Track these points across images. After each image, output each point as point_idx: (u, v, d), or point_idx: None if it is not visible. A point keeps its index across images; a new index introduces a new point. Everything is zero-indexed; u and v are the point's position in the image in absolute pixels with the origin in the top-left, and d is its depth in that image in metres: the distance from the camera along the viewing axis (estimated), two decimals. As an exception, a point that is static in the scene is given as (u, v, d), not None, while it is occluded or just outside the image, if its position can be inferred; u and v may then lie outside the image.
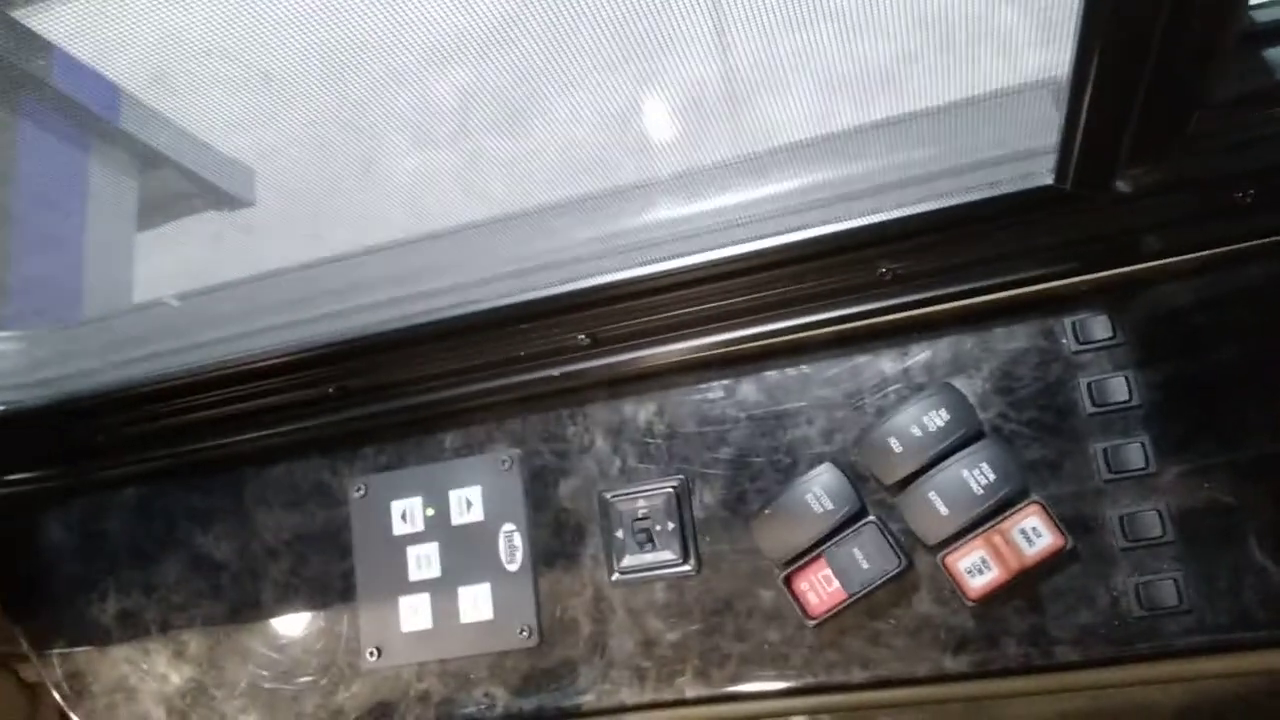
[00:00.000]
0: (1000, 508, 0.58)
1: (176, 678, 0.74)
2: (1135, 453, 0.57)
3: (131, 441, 0.74)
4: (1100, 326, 0.59)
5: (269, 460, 0.74)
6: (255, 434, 0.72)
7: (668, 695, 0.64)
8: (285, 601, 0.72)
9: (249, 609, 0.73)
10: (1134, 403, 0.58)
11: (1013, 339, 0.61)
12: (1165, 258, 0.56)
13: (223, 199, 1.64)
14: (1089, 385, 0.59)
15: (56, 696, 0.78)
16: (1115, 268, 0.58)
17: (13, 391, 0.72)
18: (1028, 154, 0.55)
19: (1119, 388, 0.58)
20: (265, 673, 0.72)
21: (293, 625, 0.72)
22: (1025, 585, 0.58)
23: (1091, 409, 0.59)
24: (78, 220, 1.22)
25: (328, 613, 0.71)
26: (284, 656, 0.72)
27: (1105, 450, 0.58)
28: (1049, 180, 0.54)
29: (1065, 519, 0.58)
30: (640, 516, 0.66)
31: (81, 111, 1.30)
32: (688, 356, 0.65)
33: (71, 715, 0.78)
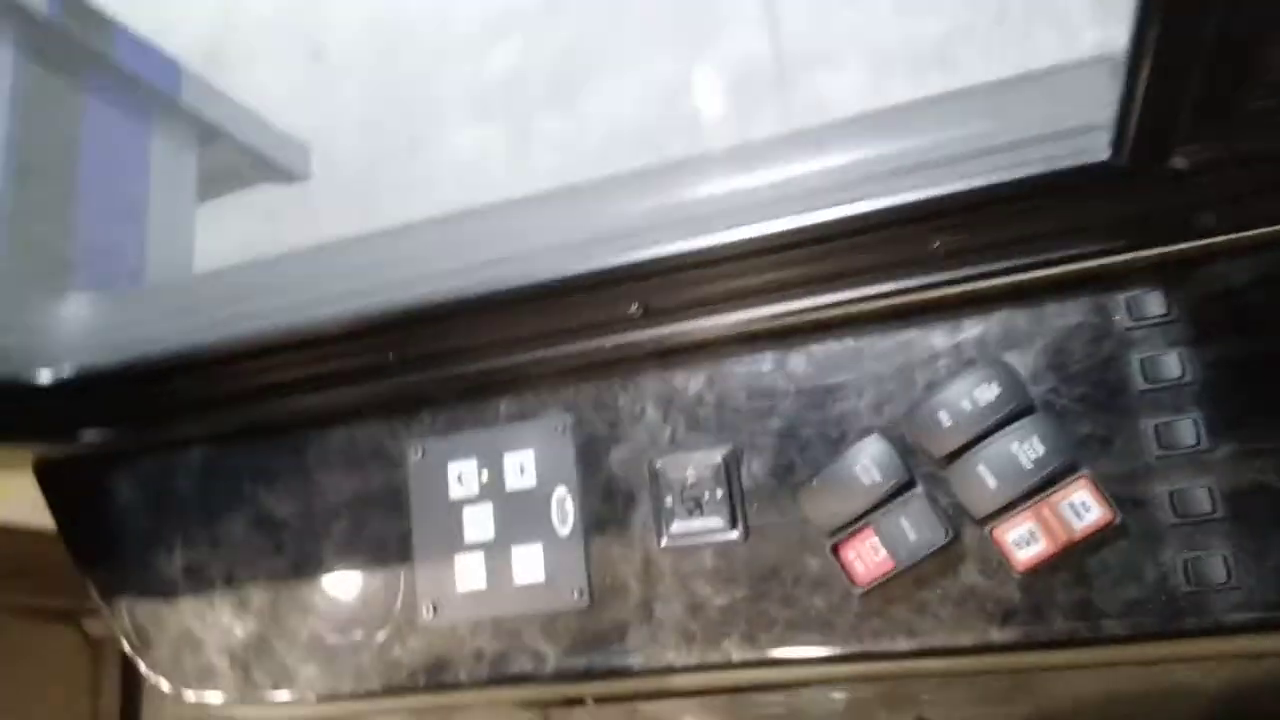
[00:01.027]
0: (1049, 481, 0.59)
1: (240, 630, 0.77)
2: (1187, 429, 0.58)
3: (198, 404, 0.77)
4: (1154, 303, 0.59)
5: (331, 423, 0.76)
6: (317, 398, 0.75)
7: (714, 658, 0.66)
8: (345, 559, 0.75)
9: (310, 566, 0.76)
10: (1187, 380, 0.58)
11: (1065, 315, 0.61)
12: (1222, 235, 0.56)
13: (279, 173, 1.67)
14: (1141, 362, 0.59)
15: (125, 645, 0.82)
16: (1170, 245, 0.57)
17: (84, 354, 0.75)
18: (1083, 129, 0.55)
19: (1172, 365, 0.58)
20: (325, 626, 0.75)
21: (352, 582, 0.74)
22: (1073, 559, 0.59)
23: (1144, 385, 0.59)
24: (142, 190, 1.26)
25: (386, 570, 0.74)
26: (343, 611, 0.74)
27: (1156, 426, 0.58)
28: (1104, 156, 0.54)
29: (1115, 494, 0.58)
30: (690, 484, 0.67)
31: (144, 86, 1.34)
32: (739, 329, 0.66)
33: (138, 666, 0.81)
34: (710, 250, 0.61)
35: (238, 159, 1.60)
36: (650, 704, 1.42)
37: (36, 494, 0.82)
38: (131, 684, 1.55)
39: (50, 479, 0.83)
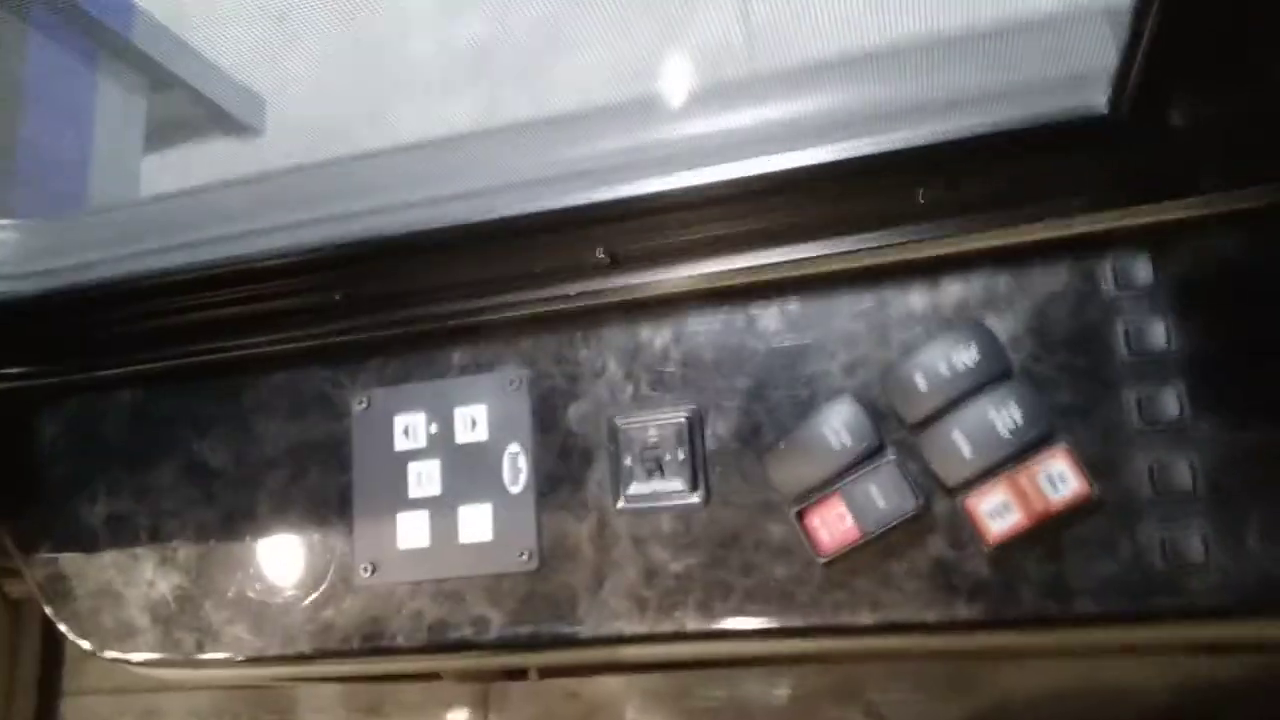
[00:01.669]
0: (1026, 451, 0.56)
1: (164, 585, 0.72)
2: (1170, 402, 0.55)
3: (129, 340, 0.72)
4: (1142, 269, 0.57)
5: (271, 367, 0.72)
6: (258, 339, 0.70)
7: (667, 627, 0.62)
8: (280, 513, 0.70)
9: (243, 519, 0.71)
10: (1172, 350, 0.56)
11: (1049, 278, 0.58)
12: (1217, 197, 0.54)
13: (232, 124, 1.61)
14: (1126, 330, 0.57)
15: (40, 598, 0.76)
16: (1163, 206, 0.55)
17: (9, 281, 0.70)
18: (1080, 80, 0.53)
19: (1158, 334, 0.56)
20: (255, 584, 0.70)
21: (287, 537, 0.70)
22: (1046, 532, 0.56)
23: (1127, 355, 0.56)
24: (87, 130, 1.20)
25: (323, 526, 0.69)
26: (275, 568, 0.70)
27: (1139, 398, 0.56)
28: (1101, 108, 0.52)
29: (1093, 466, 0.56)
30: (650, 445, 0.64)
31: (93, 23, 1.28)
32: (709, 282, 0.63)
33: (57, 625, 0.76)
34: (682, 192, 0.58)
35: (190, 108, 1.54)
36: (592, 686, 1.39)
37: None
38: (52, 649, 1.49)
39: (-34, 418, 0.78)
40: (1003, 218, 0.56)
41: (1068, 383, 0.57)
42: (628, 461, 0.64)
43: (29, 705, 1.47)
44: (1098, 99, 0.52)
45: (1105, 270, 0.58)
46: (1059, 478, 0.55)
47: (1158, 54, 0.47)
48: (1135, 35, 0.47)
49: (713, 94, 0.59)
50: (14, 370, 0.73)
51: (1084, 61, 0.53)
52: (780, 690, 1.37)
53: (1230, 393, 0.55)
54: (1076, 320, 0.58)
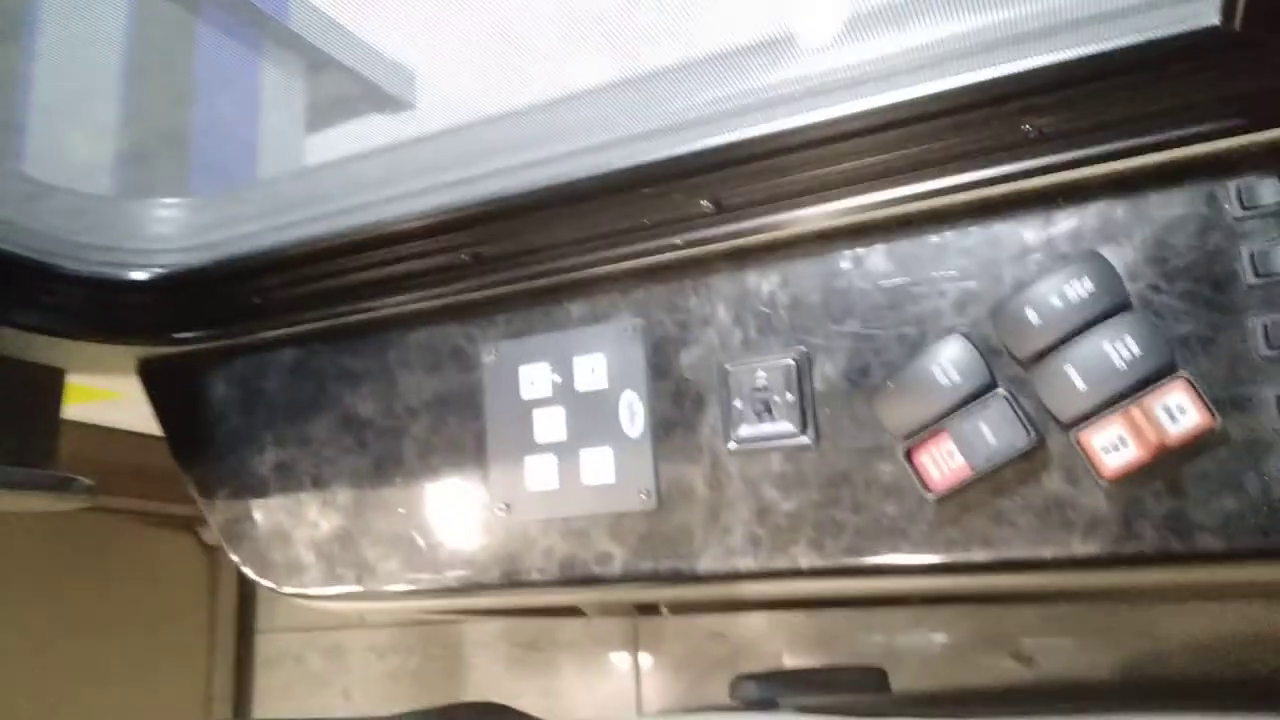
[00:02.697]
0: (1143, 383, 0.54)
1: (325, 525, 0.80)
2: (1301, 328, 0.52)
3: (286, 304, 0.79)
4: (1269, 190, 0.54)
5: (411, 325, 0.77)
6: (399, 299, 0.76)
7: (781, 564, 0.64)
8: (423, 458, 0.76)
9: (391, 464, 0.77)
10: (1303, 273, 0.53)
11: (1169, 204, 0.56)
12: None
13: (386, 101, 1.70)
14: (1252, 254, 0.54)
15: (222, 541, 0.85)
16: (1292, 124, 0.52)
17: (178, 254, 0.78)
18: (1193, -7, 0.50)
19: (1287, 257, 0.53)
20: (405, 523, 0.76)
21: (430, 480, 0.76)
22: (1166, 467, 0.55)
23: (1253, 280, 0.54)
24: (252, 114, 1.30)
25: (462, 469, 0.74)
26: (421, 509, 0.76)
27: (1265, 325, 0.53)
28: (1214, 20, 0.49)
29: (1215, 397, 0.53)
30: (759, 387, 0.65)
31: (252, 10, 1.37)
32: (815, 225, 0.63)
33: (231, 557, 0.85)
34: (784, 135, 0.59)
35: (346, 87, 1.63)
36: (738, 628, 1.42)
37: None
38: (247, 589, 1.64)
39: (154, 379, 0.87)
40: (1114, 146, 0.54)
41: (1189, 312, 0.55)
42: (738, 404, 0.66)
43: (229, 641, 1.64)
44: (1211, 13, 0.49)
45: (1228, 192, 0.55)
46: (1178, 409, 0.54)
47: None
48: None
49: (810, 35, 0.59)
50: (189, 334, 0.82)
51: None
52: (931, 635, 1.37)
53: (1371, 316, 0.52)
54: (1198, 247, 0.55)
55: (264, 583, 0.83)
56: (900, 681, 0.85)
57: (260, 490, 0.83)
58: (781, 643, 1.44)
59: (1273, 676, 1.04)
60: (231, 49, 1.33)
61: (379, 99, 1.68)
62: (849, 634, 1.42)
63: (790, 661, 1.43)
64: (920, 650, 1.37)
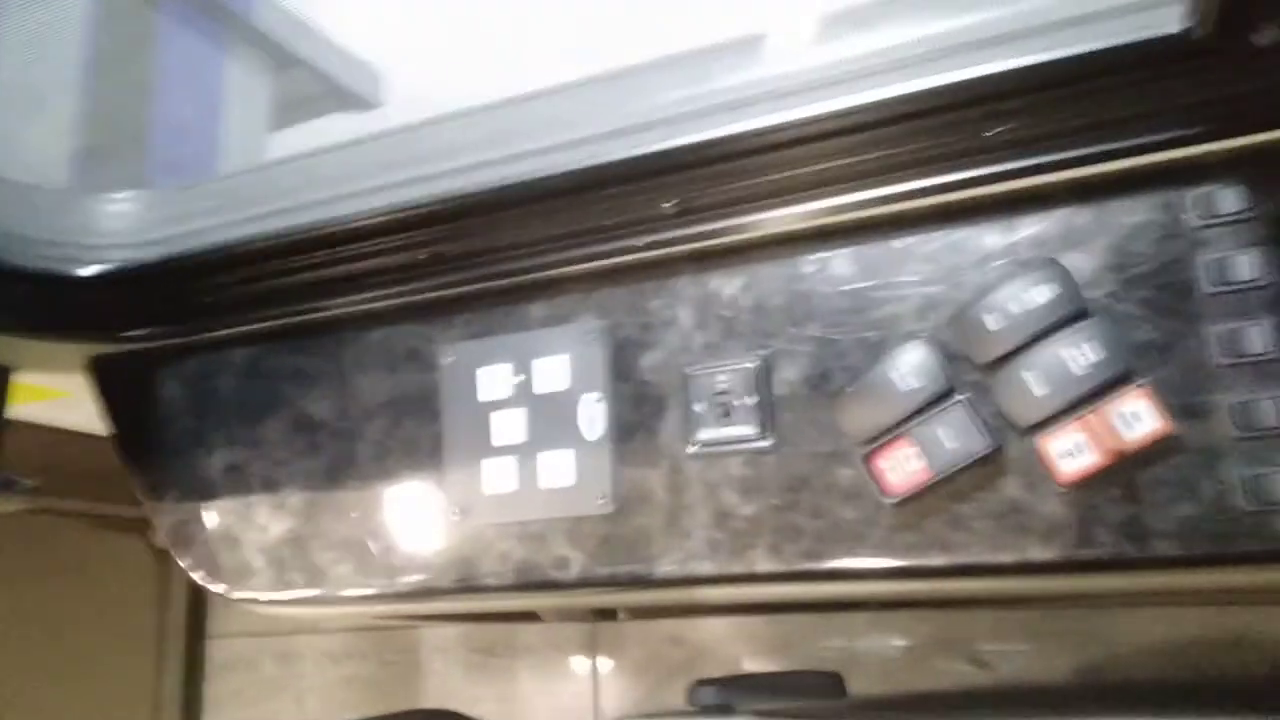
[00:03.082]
0: (1101, 390, 0.55)
1: (277, 528, 0.78)
2: (1256, 336, 0.53)
3: (239, 302, 0.77)
4: (1228, 200, 0.54)
5: (367, 325, 0.76)
6: (354, 298, 0.74)
7: (740, 569, 0.63)
8: (378, 460, 0.75)
9: (345, 467, 0.76)
10: (1260, 282, 0.53)
11: (1130, 212, 0.56)
12: (1309, 120, 0.51)
13: (351, 100, 1.68)
14: (1210, 263, 0.54)
15: (168, 544, 0.83)
16: (1249, 134, 0.52)
17: (129, 250, 0.76)
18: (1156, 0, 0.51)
19: (1244, 266, 0.53)
20: (357, 527, 0.75)
21: (385, 483, 0.74)
22: (1123, 472, 0.55)
23: (1210, 289, 0.54)
24: (215, 111, 1.27)
25: (417, 472, 0.73)
26: (375, 512, 0.74)
27: (1222, 333, 0.54)
28: (1176, 28, 0.49)
29: (1172, 405, 0.54)
30: (720, 390, 0.65)
31: (216, 6, 1.35)
32: (778, 228, 0.63)
33: (177, 561, 0.83)
34: (745, 136, 0.58)
35: (311, 86, 1.60)
36: (697, 632, 1.42)
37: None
38: (199, 594, 1.61)
39: (103, 378, 0.85)
40: (1077, 153, 0.55)
41: (1147, 319, 0.55)
42: (698, 407, 0.65)
43: (179, 646, 1.60)
44: (1173, 20, 0.49)
45: (1187, 201, 0.55)
46: (1135, 416, 0.54)
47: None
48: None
49: (772, 38, 0.59)
50: (139, 332, 0.80)
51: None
52: (890, 640, 1.37)
53: (1324, 326, 0.52)
54: (1157, 255, 0.56)
55: (213, 587, 0.81)
56: (859, 686, 0.85)
57: (210, 492, 0.81)
58: (741, 647, 1.43)
59: (1226, 679, 1.06)
60: (194, 43, 1.30)
61: (344, 97, 1.66)
62: (808, 638, 1.42)
63: (749, 666, 1.43)
64: (879, 655, 1.37)
